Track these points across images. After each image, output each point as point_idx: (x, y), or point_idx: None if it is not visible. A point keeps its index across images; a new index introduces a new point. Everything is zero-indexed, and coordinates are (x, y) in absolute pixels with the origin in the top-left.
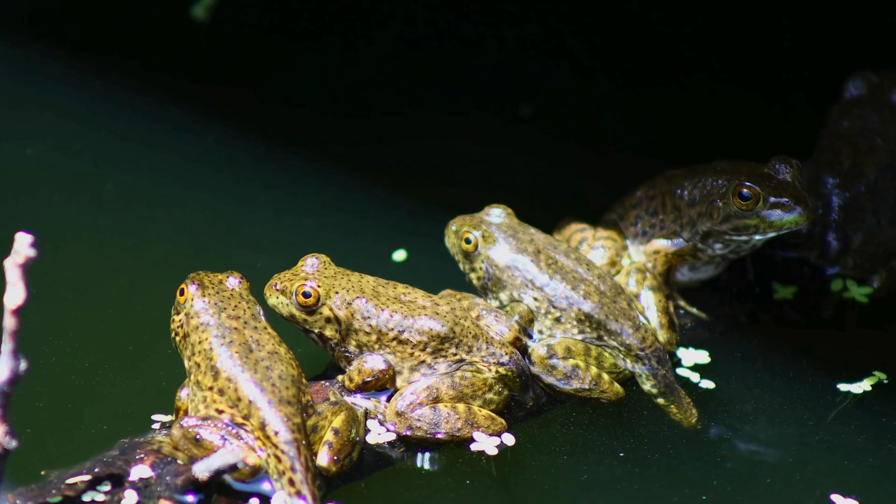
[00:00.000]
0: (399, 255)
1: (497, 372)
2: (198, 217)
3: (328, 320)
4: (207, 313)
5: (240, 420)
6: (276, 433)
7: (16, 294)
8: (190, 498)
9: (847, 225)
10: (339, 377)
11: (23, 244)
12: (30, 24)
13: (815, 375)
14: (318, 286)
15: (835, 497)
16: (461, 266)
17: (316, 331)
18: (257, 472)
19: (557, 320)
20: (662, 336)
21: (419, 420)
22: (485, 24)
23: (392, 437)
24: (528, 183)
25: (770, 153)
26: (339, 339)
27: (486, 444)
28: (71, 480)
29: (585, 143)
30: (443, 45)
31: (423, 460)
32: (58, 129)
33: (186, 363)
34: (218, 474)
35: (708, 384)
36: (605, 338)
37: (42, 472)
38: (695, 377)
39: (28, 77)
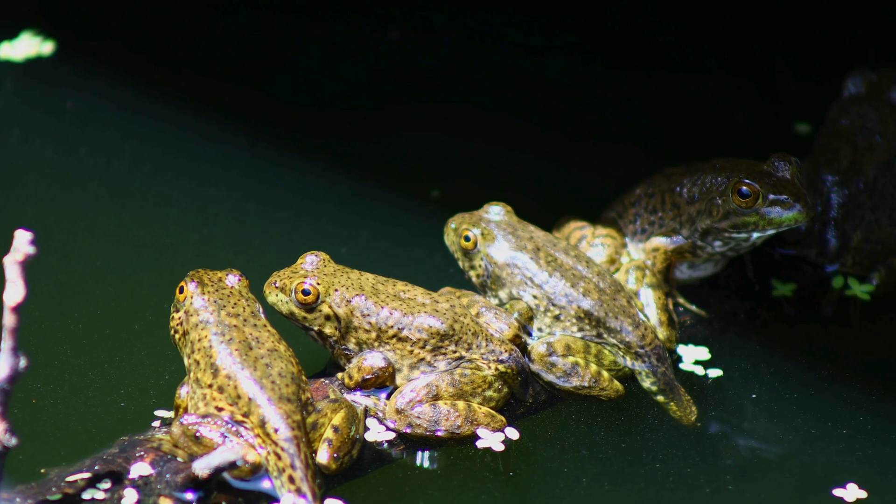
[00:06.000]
0: None
1: (497, 369)
2: (197, 214)
3: (327, 318)
4: (207, 311)
5: (239, 417)
6: (276, 430)
7: (15, 291)
8: (190, 495)
9: (846, 222)
10: (339, 375)
11: (22, 241)
12: (35, 20)
13: (814, 372)
14: (318, 284)
15: (836, 492)
16: (460, 264)
17: (315, 328)
18: (257, 470)
19: (557, 318)
20: (662, 333)
21: (419, 417)
22: (483, 19)
23: (392, 434)
24: (527, 180)
25: (769, 151)
26: (338, 337)
27: (491, 440)
28: (71, 478)
29: (585, 140)
30: (441, 41)
31: (423, 458)
32: (57, 128)
33: (186, 361)
34: (218, 472)
35: (707, 381)
36: (605, 335)
37: (42, 470)
38: (694, 374)
39: (32, 75)
